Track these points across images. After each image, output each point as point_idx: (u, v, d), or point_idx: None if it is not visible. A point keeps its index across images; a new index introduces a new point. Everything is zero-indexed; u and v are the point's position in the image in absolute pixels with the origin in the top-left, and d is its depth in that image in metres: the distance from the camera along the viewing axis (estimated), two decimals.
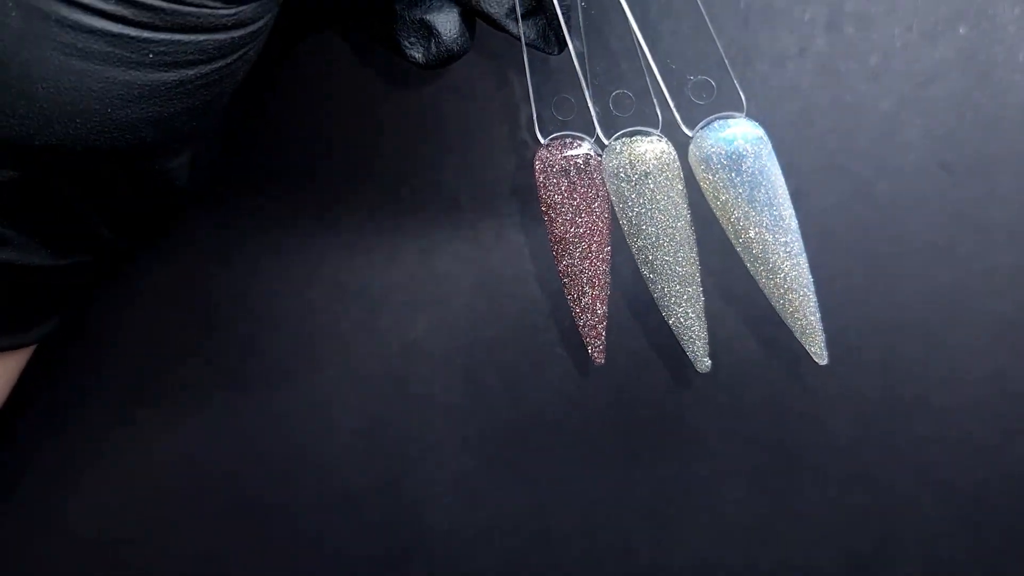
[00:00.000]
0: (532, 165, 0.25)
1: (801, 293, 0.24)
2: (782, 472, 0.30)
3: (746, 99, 0.24)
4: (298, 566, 0.31)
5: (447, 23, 0.23)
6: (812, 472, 0.30)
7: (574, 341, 0.30)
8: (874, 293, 0.29)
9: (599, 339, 0.27)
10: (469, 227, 0.30)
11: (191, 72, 0.18)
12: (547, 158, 0.25)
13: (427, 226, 0.30)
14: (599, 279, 0.26)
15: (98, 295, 0.30)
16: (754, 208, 0.24)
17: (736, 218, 0.24)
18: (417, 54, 0.23)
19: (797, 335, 0.25)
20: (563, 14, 0.23)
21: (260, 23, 0.19)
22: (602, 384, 0.30)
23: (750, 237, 0.24)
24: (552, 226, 0.26)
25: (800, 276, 0.24)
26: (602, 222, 0.25)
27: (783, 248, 0.24)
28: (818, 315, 0.25)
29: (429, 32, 0.23)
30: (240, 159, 0.30)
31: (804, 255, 0.24)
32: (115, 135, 0.18)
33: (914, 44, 0.28)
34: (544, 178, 0.25)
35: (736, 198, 0.24)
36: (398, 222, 0.30)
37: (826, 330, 0.29)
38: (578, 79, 0.24)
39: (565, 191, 0.25)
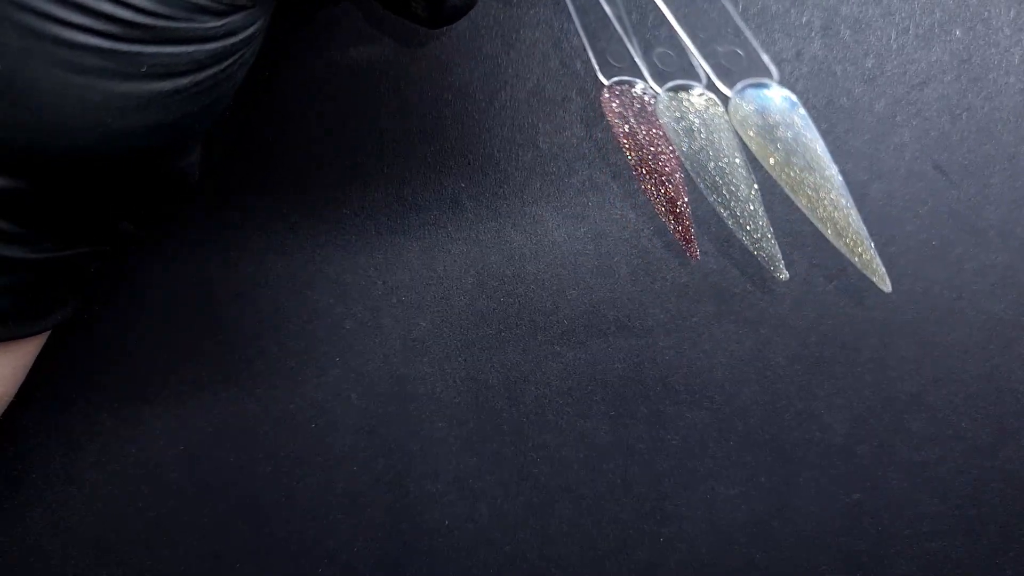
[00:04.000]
0: (599, 106, 0.26)
1: (854, 237, 0.24)
2: (779, 471, 0.30)
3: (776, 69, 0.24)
4: (298, 565, 0.31)
5: None
6: (808, 470, 0.30)
7: (574, 340, 0.30)
8: (869, 293, 0.29)
9: (692, 242, 0.27)
10: (470, 227, 0.30)
11: (186, 80, 0.19)
12: (607, 101, 0.26)
13: (428, 226, 0.30)
14: (679, 194, 0.27)
15: (100, 295, 0.30)
16: (792, 170, 0.24)
17: (777, 177, 0.24)
18: (423, 13, 0.23)
19: (860, 268, 0.25)
20: None
21: (252, 29, 0.19)
22: (602, 384, 0.30)
23: (796, 192, 0.24)
24: (629, 157, 0.26)
25: (850, 224, 0.24)
26: (668, 151, 0.26)
27: (832, 204, 0.24)
28: (873, 249, 0.24)
29: None
30: (242, 160, 0.30)
31: (853, 206, 0.24)
32: (119, 143, 0.19)
33: (909, 47, 0.28)
34: (610, 119, 0.26)
35: (773, 162, 0.24)
36: (400, 222, 0.30)
37: (822, 329, 0.29)
38: (622, 42, 0.25)
39: (629, 132, 0.26)
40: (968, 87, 0.28)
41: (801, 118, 0.24)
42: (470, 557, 0.31)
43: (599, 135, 0.29)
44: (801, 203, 0.24)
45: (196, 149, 0.22)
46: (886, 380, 0.29)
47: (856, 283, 0.29)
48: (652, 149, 0.26)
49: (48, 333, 0.25)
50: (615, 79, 0.26)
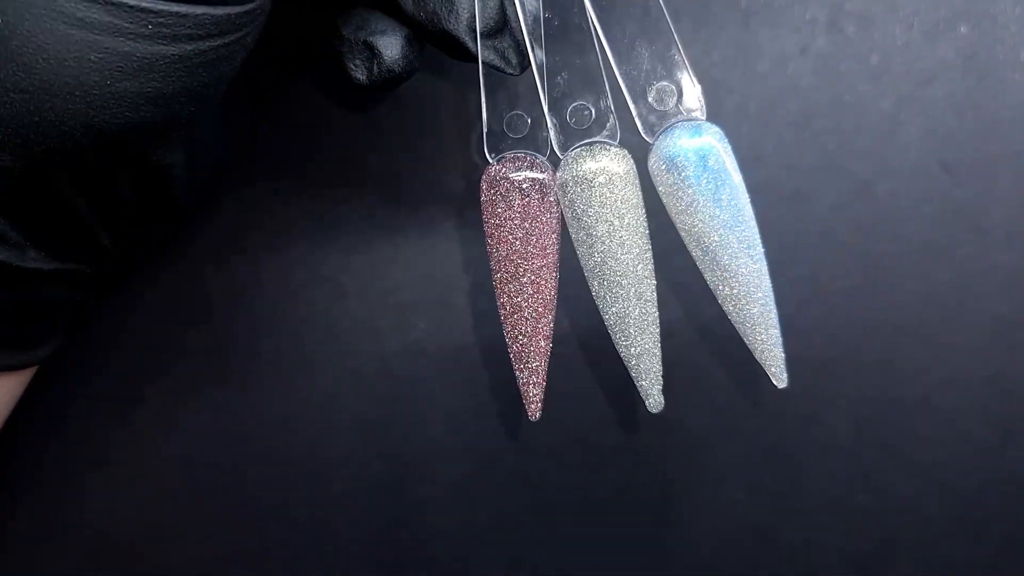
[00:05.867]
0: (479, 186, 0.24)
1: (763, 303, 0.24)
2: (783, 473, 0.30)
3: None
4: (297, 567, 0.31)
5: (389, 45, 0.23)
6: (813, 473, 0.30)
7: (574, 342, 0.30)
8: (874, 293, 0.29)
9: (536, 392, 0.25)
10: (469, 227, 0.29)
11: (190, 48, 0.18)
12: (493, 177, 0.24)
13: (427, 226, 0.30)
14: (541, 320, 0.25)
15: (96, 295, 0.30)
16: (719, 207, 0.23)
17: (700, 219, 0.23)
18: (360, 75, 0.24)
19: (757, 354, 0.24)
20: (528, 28, 0.23)
21: (256, 2, 0.19)
22: (602, 385, 0.30)
23: (713, 241, 0.23)
24: (495, 252, 0.24)
25: (762, 284, 0.24)
26: (550, 253, 0.24)
27: (746, 252, 0.23)
28: (778, 331, 0.24)
29: (372, 54, 0.23)
30: (239, 160, 0.30)
31: (765, 263, 0.23)
32: (114, 111, 0.18)
33: (915, 43, 0.28)
34: (488, 200, 0.24)
35: (701, 196, 0.23)
36: (398, 222, 0.30)
37: (826, 330, 0.29)
38: (536, 93, 0.23)
39: (510, 216, 0.24)
40: (974, 84, 0.27)
41: (729, 153, 0.23)
42: (469, 562, 0.31)
43: None
44: (717, 261, 0.23)
45: (182, 147, 0.22)
46: (890, 382, 0.29)
47: (858, 283, 0.29)
48: (535, 246, 0.24)
49: (32, 371, 0.25)
50: (505, 154, 0.24)
